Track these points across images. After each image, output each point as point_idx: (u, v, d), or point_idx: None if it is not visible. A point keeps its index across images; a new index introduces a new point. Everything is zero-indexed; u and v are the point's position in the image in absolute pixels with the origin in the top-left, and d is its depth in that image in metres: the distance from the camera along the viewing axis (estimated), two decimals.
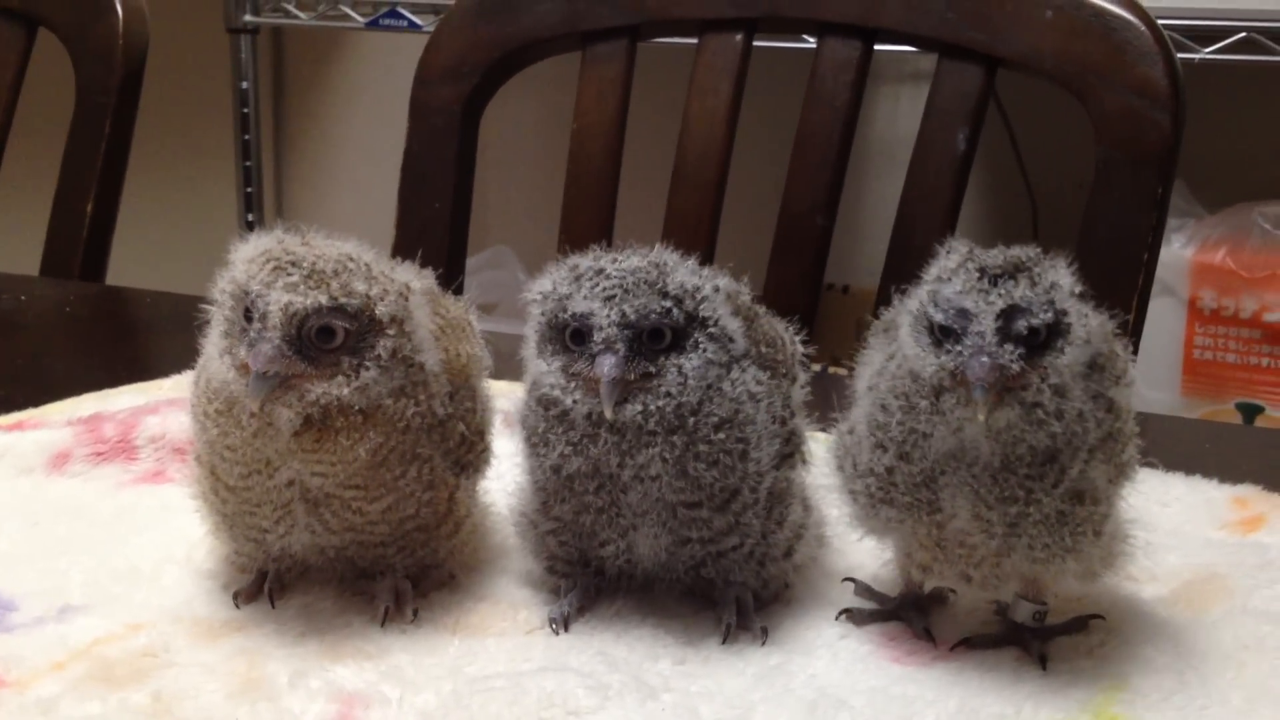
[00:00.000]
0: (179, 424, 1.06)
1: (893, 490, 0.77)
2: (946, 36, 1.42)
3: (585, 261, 0.78)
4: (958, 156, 1.42)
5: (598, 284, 0.77)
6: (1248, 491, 0.98)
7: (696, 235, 1.50)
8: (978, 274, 0.73)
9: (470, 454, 0.84)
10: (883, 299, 1.47)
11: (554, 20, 1.57)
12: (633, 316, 0.76)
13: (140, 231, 2.15)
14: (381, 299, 0.76)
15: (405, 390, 0.78)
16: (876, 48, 1.47)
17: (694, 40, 1.52)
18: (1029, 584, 0.81)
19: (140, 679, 0.76)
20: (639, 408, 0.76)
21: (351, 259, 0.77)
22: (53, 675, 0.77)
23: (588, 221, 1.55)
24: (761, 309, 0.84)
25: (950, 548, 0.78)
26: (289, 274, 0.75)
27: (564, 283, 0.78)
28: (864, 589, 0.86)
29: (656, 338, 0.76)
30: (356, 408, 0.77)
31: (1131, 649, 0.79)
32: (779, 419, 0.81)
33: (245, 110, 2.71)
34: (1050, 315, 0.72)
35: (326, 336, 0.75)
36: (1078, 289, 0.74)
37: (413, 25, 2.47)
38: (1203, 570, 0.87)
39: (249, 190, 2.75)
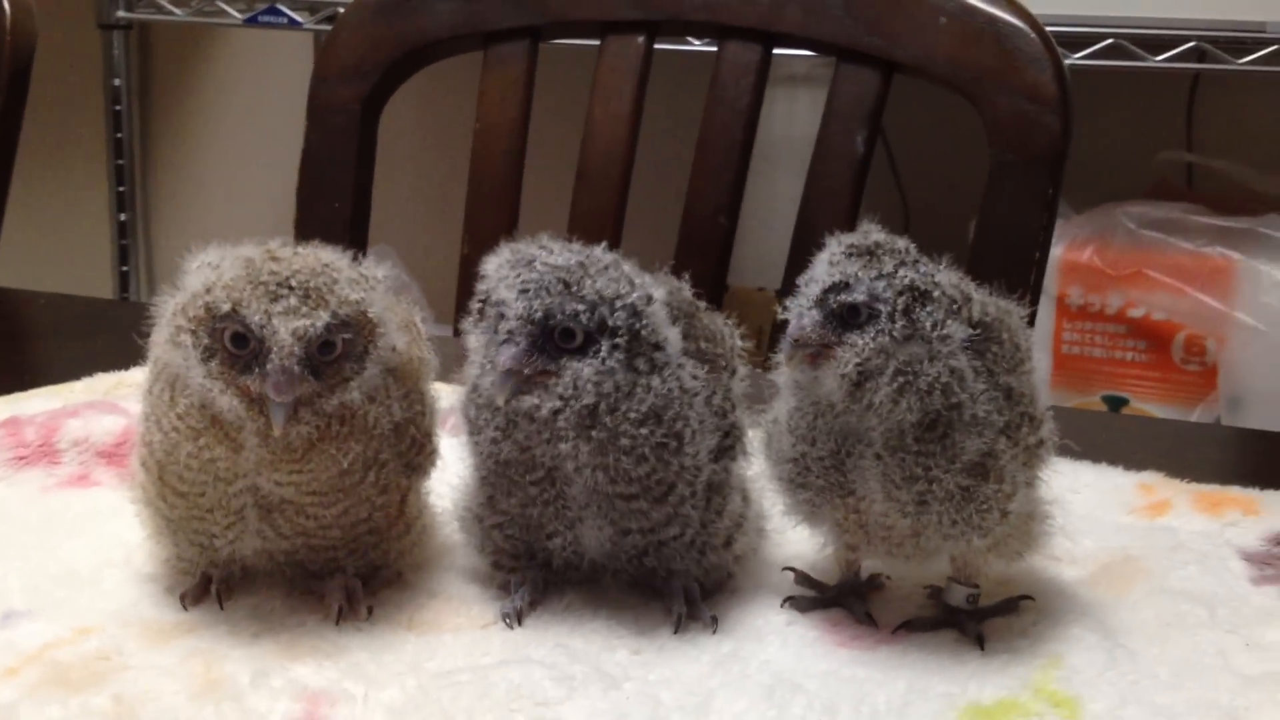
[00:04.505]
0: (102, 428, 1.05)
1: (807, 474, 0.81)
2: (844, 41, 1.45)
3: (527, 250, 0.80)
4: (857, 159, 1.46)
5: (519, 275, 0.79)
6: (1151, 478, 1.03)
7: (601, 236, 1.48)
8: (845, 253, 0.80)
9: (419, 456, 0.85)
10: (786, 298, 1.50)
11: (455, 20, 1.57)
12: (539, 314, 0.77)
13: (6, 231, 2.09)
14: (370, 301, 0.77)
15: (375, 395, 0.79)
16: (775, 52, 1.50)
17: (596, 42, 1.54)
18: (960, 567, 0.84)
19: (98, 682, 0.76)
20: (535, 401, 0.78)
21: (330, 265, 0.77)
22: (6, 680, 0.76)
23: (492, 221, 1.55)
24: (702, 304, 0.86)
25: (873, 530, 0.82)
26: (284, 297, 0.75)
27: (503, 266, 0.80)
28: (803, 578, 0.89)
29: (568, 337, 0.78)
30: (360, 410, 0.78)
31: (1062, 628, 0.83)
32: (719, 412, 0.83)
33: (117, 108, 2.66)
34: (862, 297, 0.77)
35: (328, 350, 0.76)
36: (932, 287, 0.79)
37: (293, 22, 2.44)
38: (1118, 553, 0.92)
39: (120, 189, 2.69)
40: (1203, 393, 2.21)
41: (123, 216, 2.70)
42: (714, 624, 0.83)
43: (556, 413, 0.78)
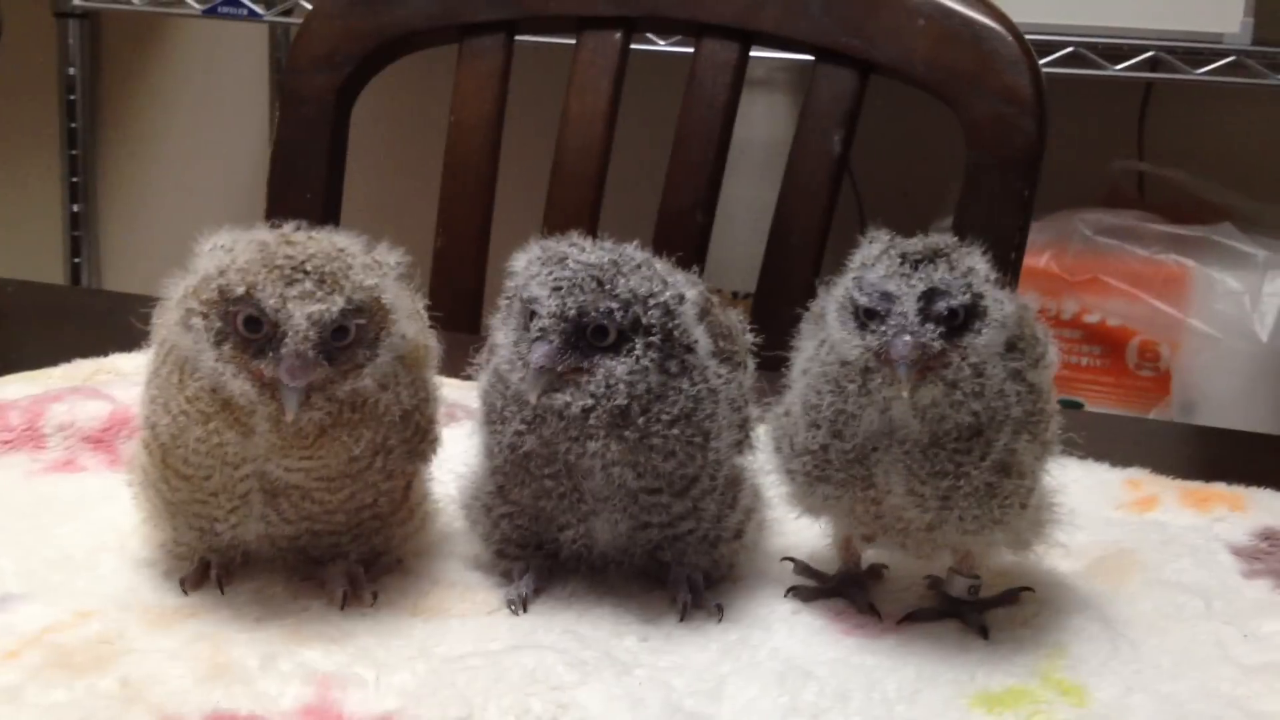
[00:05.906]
0: (87, 413, 1.04)
1: (828, 468, 0.80)
2: (822, 41, 1.46)
3: (558, 246, 0.80)
4: (833, 159, 1.46)
5: (552, 272, 0.78)
6: (1138, 474, 1.05)
7: (576, 231, 1.51)
8: (899, 259, 0.77)
9: (423, 442, 0.85)
10: (761, 298, 1.51)
11: (431, 12, 1.57)
12: (572, 311, 0.77)
13: None
14: (384, 288, 0.77)
15: (386, 383, 0.79)
16: (753, 53, 1.51)
17: (572, 40, 1.54)
18: (963, 558, 0.85)
19: (102, 666, 0.74)
20: (566, 399, 0.78)
21: (344, 250, 0.77)
22: (8, 663, 0.74)
23: (466, 215, 1.55)
24: (715, 299, 0.86)
25: (889, 522, 0.82)
26: (300, 281, 0.74)
27: (533, 263, 0.79)
28: (803, 568, 0.89)
29: (600, 334, 0.78)
30: (372, 398, 0.77)
31: (1063, 619, 0.84)
32: (736, 408, 0.83)
33: (72, 97, 2.62)
34: (968, 297, 0.76)
35: (341, 335, 0.76)
36: (993, 275, 0.79)
37: (252, 14, 2.42)
38: (1112, 547, 0.93)
39: (74, 180, 2.65)
40: (1156, 398, 2.24)
41: (75, 207, 2.66)
42: (719, 612, 0.83)
43: (587, 411, 0.77)
